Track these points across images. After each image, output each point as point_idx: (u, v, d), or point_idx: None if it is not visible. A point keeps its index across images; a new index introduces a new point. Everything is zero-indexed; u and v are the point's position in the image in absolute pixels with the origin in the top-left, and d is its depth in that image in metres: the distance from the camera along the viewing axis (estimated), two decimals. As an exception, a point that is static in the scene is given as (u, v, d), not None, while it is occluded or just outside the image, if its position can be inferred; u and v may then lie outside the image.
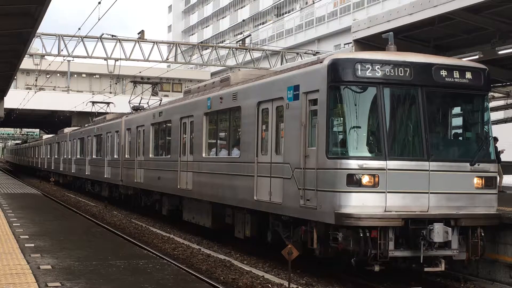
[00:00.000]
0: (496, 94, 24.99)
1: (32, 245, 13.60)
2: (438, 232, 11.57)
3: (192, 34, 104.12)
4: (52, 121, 68.09)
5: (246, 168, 15.29)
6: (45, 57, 43.83)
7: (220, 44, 66.21)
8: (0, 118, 40.62)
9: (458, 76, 12.50)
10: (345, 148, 11.94)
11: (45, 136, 62.79)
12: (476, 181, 12.38)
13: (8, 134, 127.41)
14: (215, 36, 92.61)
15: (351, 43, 21.12)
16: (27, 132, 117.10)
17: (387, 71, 12.07)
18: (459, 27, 17.86)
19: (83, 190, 39.73)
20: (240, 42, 48.13)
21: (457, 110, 13.29)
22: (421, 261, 11.72)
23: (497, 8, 16.37)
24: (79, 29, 31.67)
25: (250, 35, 53.87)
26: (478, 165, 12.39)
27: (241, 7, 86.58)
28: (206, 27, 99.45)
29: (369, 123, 12.32)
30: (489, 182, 12.53)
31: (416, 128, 12.26)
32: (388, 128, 12.06)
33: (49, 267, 11.05)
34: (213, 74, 73.59)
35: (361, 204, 11.59)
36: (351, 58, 12.21)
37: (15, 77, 42.65)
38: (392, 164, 11.79)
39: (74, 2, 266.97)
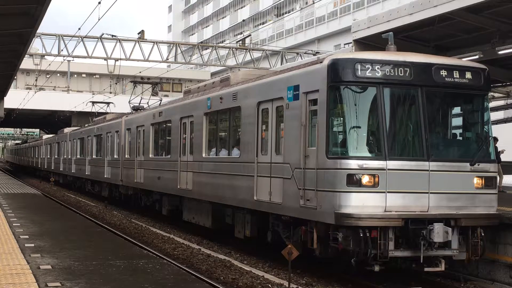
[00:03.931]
0: (496, 94, 24.98)
1: (32, 245, 13.60)
2: (438, 232, 11.57)
3: (192, 34, 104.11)
4: (52, 121, 68.09)
5: (246, 168, 15.29)
6: (45, 57, 43.82)
7: (220, 44, 66.22)
8: (0, 118, 40.60)
9: (458, 76, 12.50)
10: (345, 148, 11.94)
11: (45, 136, 62.77)
12: (476, 181, 12.37)
13: (8, 134, 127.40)
14: (215, 36, 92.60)
15: (351, 43, 21.11)
16: (27, 132, 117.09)
17: (387, 71, 12.07)
18: (459, 27, 17.85)
19: (83, 190, 39.74)
20: (240, 42, 48.12)
21: (457, 110, 13.29)
22: (421, 261, 11.72)
23: (497, 8, 16.36)
24: (79, 29, 31.65)
25: (250, 35, 53.85)
26: (478, 165, 12.38)
27: (241, 7, 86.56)
28: (206, 27, 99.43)
29: (369, 123, 12.32)
30: (489, 182, 12.53)
31: (416, 128, 12.26)
32: (388, 128, 12.06)
33: (49, 267, 11.05)
34: (213, 74, 73.60)
35: (361, 204, 11.59)
36: (351, 58, 12.21)
37: (15, 77, 42.65)
38: (392, 164, 11.80)
39: (75, 3, 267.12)
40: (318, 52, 46.47)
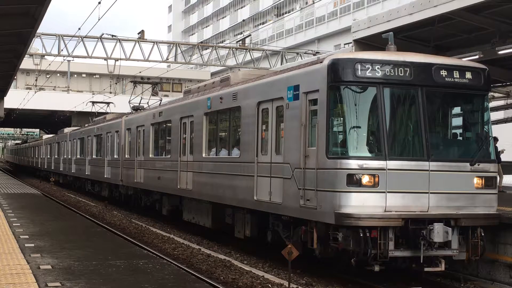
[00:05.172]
0: (496, 94, 24.99)
1: (32, 245, 13.60)
2: (438, 232, 11.57)
3: (192, 34, 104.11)
4: (52, 121, 68.12)
5: (246, 168, 15.29)
6: (45, 57, 43.84)
7: (220, 44, 66.25)
8: (0, 118, 40.61)
9: (458, 76, 12.50)
10: (345, 148, 11.93)
11: (45, 136, 62.77)
12: (476, 181, 12.37)
13: (8, 134, 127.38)
14: (215, 36, 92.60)
15: (351, 43, 21.12)
16: (27, 132, 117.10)
17: (387, 71, 12.06)
18: (459, 27, 17.86)
19: (83, 190, 39.74)
20: (240, 42, 48.14)
21: (457, 110, 13.29)
22: (421, 261, 11.71)
23: (497, 8, 16.37)
24: (79, 29, 31.67)
25: (250, 35, 53.86)
26: (478, 165, 12.38)
27: (241, 7, 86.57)
28: (206, 27, 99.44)
29: (369, 123, 12.32)
30: (489, 182, 12.53)
31: (416, 128, 12.26)
32: (388, 128, 12.06)
33: (49, 267, 11.05)
34: (213, 74, 73.60)
35: (361, 204, 11.59)
36: (351, 58, 12.21)
37: (15, 77, 42.65)
38: (392, 164, 11.79)
39: (75, 3, 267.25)
40: (318, 52, 46.47)
